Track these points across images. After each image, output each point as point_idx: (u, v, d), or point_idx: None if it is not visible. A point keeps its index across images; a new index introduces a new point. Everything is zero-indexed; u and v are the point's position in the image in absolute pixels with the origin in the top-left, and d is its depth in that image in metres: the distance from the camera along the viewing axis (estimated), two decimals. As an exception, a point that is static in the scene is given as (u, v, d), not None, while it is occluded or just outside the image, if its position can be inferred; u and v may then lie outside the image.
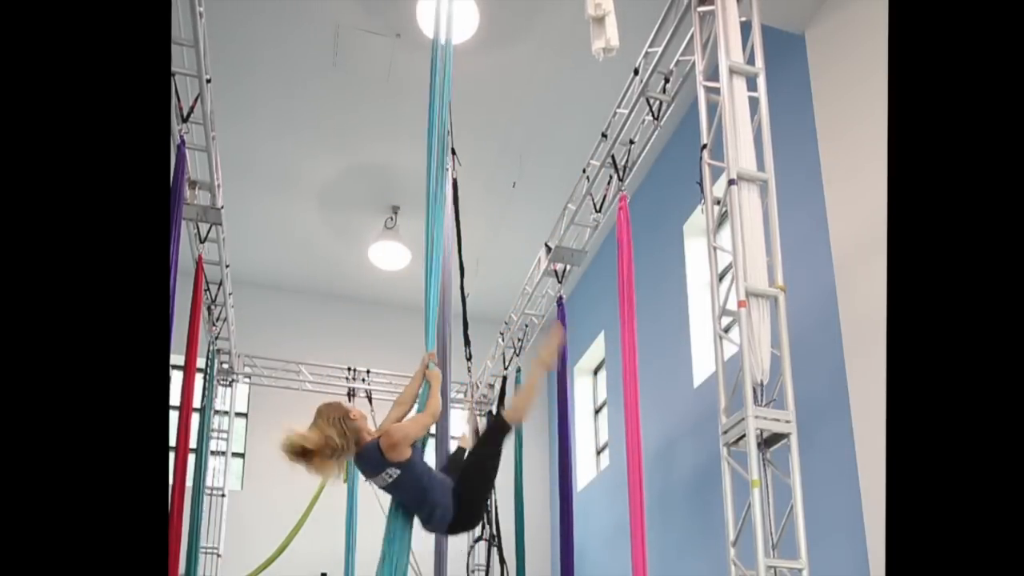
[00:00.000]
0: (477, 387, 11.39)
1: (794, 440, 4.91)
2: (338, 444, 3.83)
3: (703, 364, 8.72)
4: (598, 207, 7.98)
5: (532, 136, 9.72)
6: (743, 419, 4.91)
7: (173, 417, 7.73)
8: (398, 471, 3.95)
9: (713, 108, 5.78)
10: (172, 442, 7.41)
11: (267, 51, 8.73)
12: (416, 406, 4.25)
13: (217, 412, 10.53)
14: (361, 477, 10.06)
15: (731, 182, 5.35)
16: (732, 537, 4.98)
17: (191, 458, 8.35)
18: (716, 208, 5.72)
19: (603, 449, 11.44)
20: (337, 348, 11.88)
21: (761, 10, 5.92)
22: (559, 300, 8.88)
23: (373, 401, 10.78)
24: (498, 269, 11.11)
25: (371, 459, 3.97)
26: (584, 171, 7.93)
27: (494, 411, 10.73)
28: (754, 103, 5.68)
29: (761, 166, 5.51)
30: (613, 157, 7.48)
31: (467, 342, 7.36)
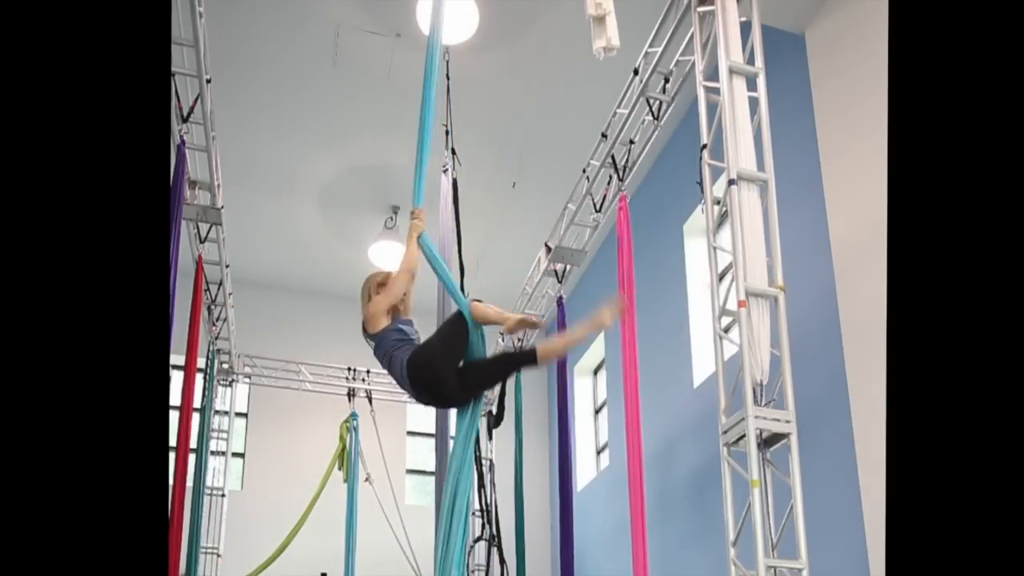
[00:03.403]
0: (477, 387, 11.37)
1: (794, 440, 4.91)
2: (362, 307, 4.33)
3: (703, 364, 8.72)
4: (598, 207, 7.98)
5: (532, 136, 9.72)
6: (743, 419, 4.92)
7: (173, 417, 7.73)
8: (373, 343, 4.31)
9: (713, 108, 5.78)
10: (172, 442, 7.41)
11: (267, 51, 8.73)
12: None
13: (217, 412, 10.52)
14: (361, 477, 10.11)
15: (731, 182, 5.35)
16: (732, 537, 4.98)
17: (191, 458, 8.34)
18: (716, 208, 5.72)
19: (603, 449, 11.44)
20: (337, 348, 11.84)
21: (761, 10, 5.92)
22: (559, 300, 8.88)
23: (373, 401, 10.76)
24: (498, 269, 11.11)
25: (363, 332, 4.37)
26: (584, 171, 7.93)
27: (494, 410, 10.72)
28: (754, 103, 5.68)
29: (761, 166, 5.51)
30: (613, 157, 7.49)
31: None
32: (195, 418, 8.47)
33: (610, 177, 7.67)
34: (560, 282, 8.99)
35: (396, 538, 9.40)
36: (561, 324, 8.67)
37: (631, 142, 7.40)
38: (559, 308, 8.79)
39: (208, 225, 7.99)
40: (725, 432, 5.12)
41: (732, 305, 5.24)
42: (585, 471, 11.50)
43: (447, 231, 6.46)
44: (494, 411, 10.73)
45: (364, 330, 4.30)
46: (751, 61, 5.79)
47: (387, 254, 11.08)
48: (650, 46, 6.74)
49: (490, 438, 10.92)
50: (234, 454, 11.24)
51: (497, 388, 10.81)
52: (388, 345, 4.25)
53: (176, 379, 8.60)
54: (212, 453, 10.11)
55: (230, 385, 10.91)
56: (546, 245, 8.89)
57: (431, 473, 11.50)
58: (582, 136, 8.45)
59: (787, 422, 4.92)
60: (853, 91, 6.57)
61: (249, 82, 8.99)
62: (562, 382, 8.44)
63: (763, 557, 4.62)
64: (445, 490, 4.14)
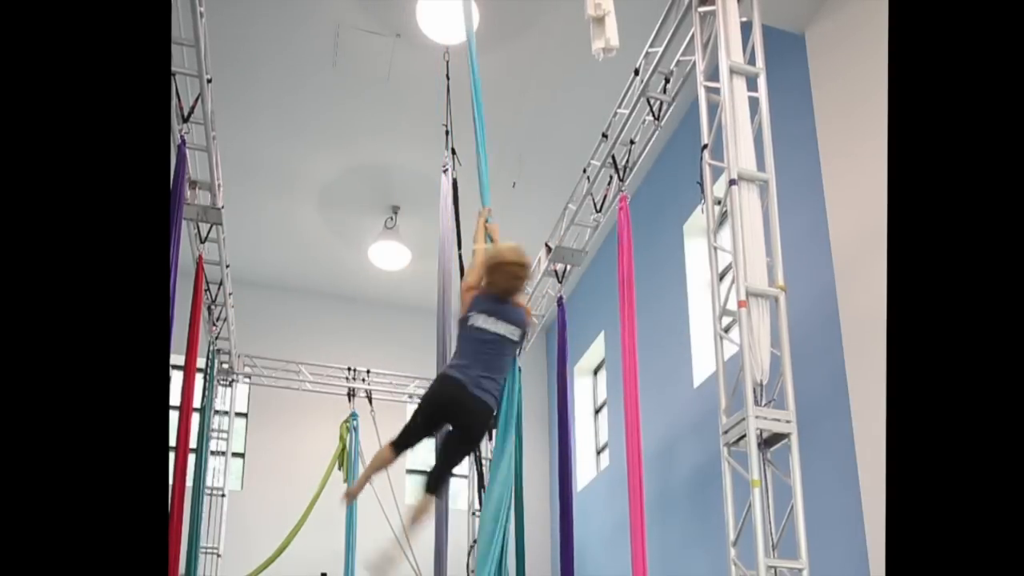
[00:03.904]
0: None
1: (794, 440, 4.91)
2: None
3: (703, 364, 8.71)
4: (598, 207, 7.98)
5: (532, 136, 9.71)
6: (743, 419, 4.91)
7: (173, 417, 7.73)
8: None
9: (713, 108, 5.78)
10: (172, 442, 7.41)
11: (267, 51, 8.73)
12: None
13: (217, 412, 10.52)
14: (361, 477, 10.08)
15: (731, 182, 5.35)
16: (732, 537, 4.98)
17: (191, 458, 8.34)
18: (716, 208, 5.72)
19: (603, 449, 11.44)
20: (337, 348, 11.87)
21: (761, 10, 5.91)
22: (559, 300, 8.88)
23: (373, 401, 10.77)
24: (498, 269, 11.08)
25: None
26: (584, 171, 7.93)
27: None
28: (754, 103, 5.67)
29: (761, 166, 5.51)
30: (613, 157, 7.49)
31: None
32: (195, 418, 8.47)
33: (610, 177, 7.67)
34: (560, 282, 8.99)
35: (396, 538, 9.39)
36: (561, 324, 8.67)
37: (631, 142, 7.40)
38: (559, 308, 8.79)
39: (208, 225, 7.99)
40: (725, 432, 5.12)
41: (732, 305, 5.24)
42: (585, 471, 11.50)
43: (447, 231, 6.46)
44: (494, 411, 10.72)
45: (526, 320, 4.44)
46: (751, 61, 5.79)
47: (387, 254, 11.09)
48: (651, 46, 6.74)
49: (490, 438, 10.91)
50: (234, 454, 11.24)
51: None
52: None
53: (176, 379, 8.60)
54: (212, 453, 10.11)
55: (230, 385, 10.91)
56: (546, 245, 8.89)
57: (431, 473, 11.49)
58: (582, 136, 8.45)
59: (787, 422, 4.92)
60: (853, 91, 6.57)
61: (249, 82, 8.99)
62: (562, 382, 8.44)
63: (763, 557, 4.62)
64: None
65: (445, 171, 6.76)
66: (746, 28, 5.85)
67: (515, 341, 4.32)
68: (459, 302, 4.53)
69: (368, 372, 11.02)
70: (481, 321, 4.27)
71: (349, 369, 10.98)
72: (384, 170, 10.31)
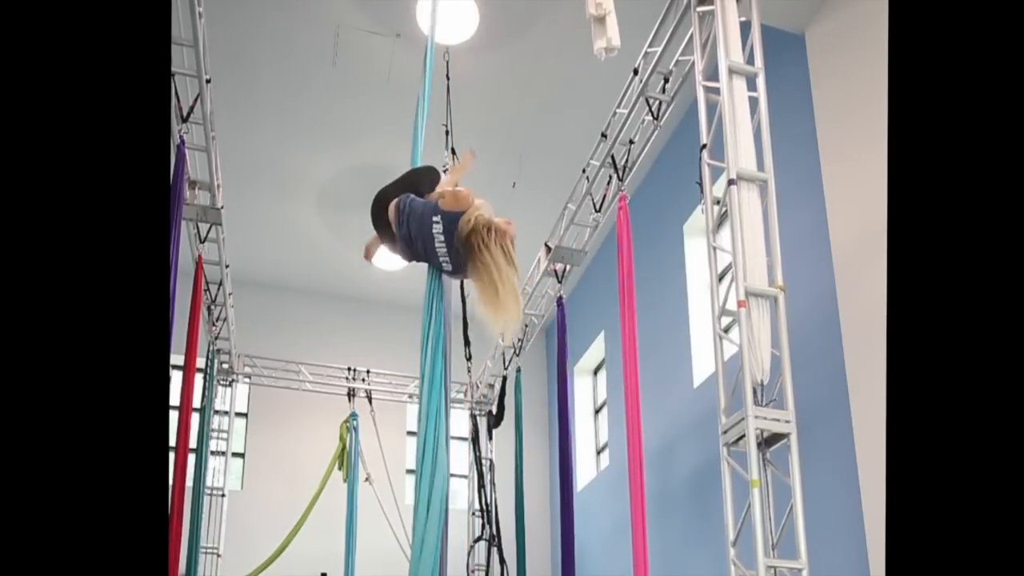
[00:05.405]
0: (477, 387, 11.40)
1: (794, 440, 4.91)
2: None
3: (703, 364, 8.72)
4: (598, 207, 7.98)
5: (532, 136, 9.71)
6: (743, 419, 4.91)
7: (173, 417, 7.73)
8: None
9: (713, 108, 5.78)
10: (172, 442, 7.41)
11: (267, 51, 8.73)
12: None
13: (217, 412, 10.52)
14: (361, 476, 10.10)
15: (731, 182, 5.35)
16: (732, 537, 4.98)
17: (191, 458, 8.34)
18: (716, 208, 5.72)
19: (603, 449, 11.44)
20: (337, 348, 11.88)
21: (761, 10, 5.92)
22: (559, 300, 8.88)
23: (373, 401, 10.77)
24: (498, 269, 11.08)
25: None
26: (584, 171, 7.93)
27: (494, 410, 10.73)
28: (754, 103, 5.68)
29: (761, 166, 5.51)
30: (613, 157, 7.49)
31: (467, 342, 7.37)
32: (195, 418, 8.47)
33: (610, 177, 7.67)
34: (560, 282, 8.99)
35: (396, 538, 9.40)
36: (561, 324, 8.68)
37: (631, 142, 7.40)
38: (559, 308, 8.79)
39: (208, 225, 7.99)
40: (725, 432, 5.12)
41: (732, 305, 5.24)
42: (585, 471, 11.50)
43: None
44: (494, 411, 10.74)
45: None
46: (751, 61, 5.79)
47: (387, 254, 11.07)
48: (650, 46, 6.74)
49: (490, 438, 10.93)
50: (234, 454, 11.24)
51: (497, 387, 10.85)
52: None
53: (176, 379, 8.60)
54: (212, 453, 10.11)
55: (230, 385, 10.91)
56: (546, 245, 8.89)
57: (431, 473, 11.47)
58: (582, 136, 8.45)
59: (787, 422, 4.92)
60: (853, 91, 6.57)
61: (249, 82, 8.99)
62: (562, 382, 8.44)
63: (763, 557, 4.62)
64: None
65: (445, 171, 6.75)
66: (745, 28, 5.85)
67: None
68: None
69: (368, 372, 11.02)
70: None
71: (349, 369, 10.98)
72: (384, 170, 10.28)
